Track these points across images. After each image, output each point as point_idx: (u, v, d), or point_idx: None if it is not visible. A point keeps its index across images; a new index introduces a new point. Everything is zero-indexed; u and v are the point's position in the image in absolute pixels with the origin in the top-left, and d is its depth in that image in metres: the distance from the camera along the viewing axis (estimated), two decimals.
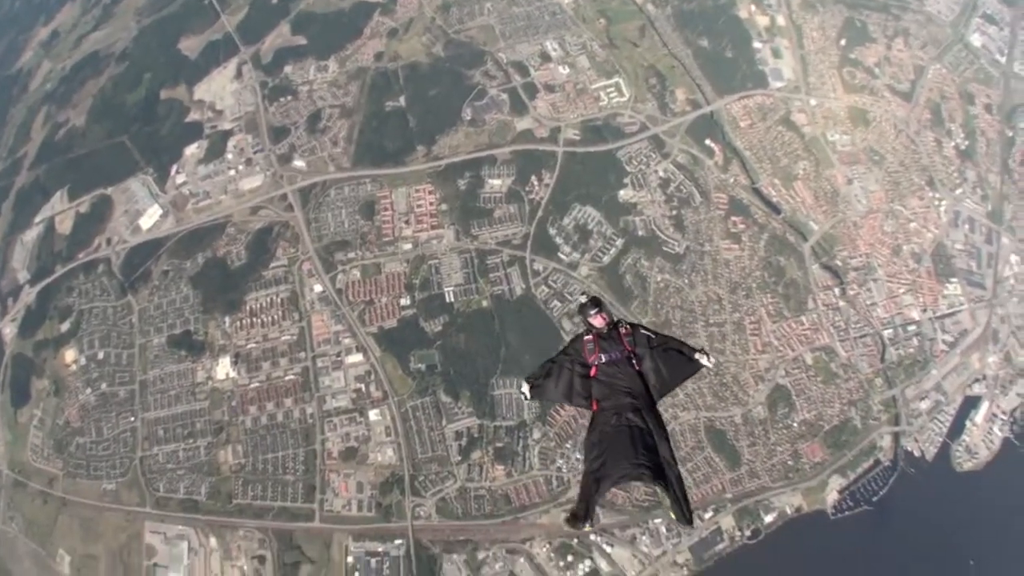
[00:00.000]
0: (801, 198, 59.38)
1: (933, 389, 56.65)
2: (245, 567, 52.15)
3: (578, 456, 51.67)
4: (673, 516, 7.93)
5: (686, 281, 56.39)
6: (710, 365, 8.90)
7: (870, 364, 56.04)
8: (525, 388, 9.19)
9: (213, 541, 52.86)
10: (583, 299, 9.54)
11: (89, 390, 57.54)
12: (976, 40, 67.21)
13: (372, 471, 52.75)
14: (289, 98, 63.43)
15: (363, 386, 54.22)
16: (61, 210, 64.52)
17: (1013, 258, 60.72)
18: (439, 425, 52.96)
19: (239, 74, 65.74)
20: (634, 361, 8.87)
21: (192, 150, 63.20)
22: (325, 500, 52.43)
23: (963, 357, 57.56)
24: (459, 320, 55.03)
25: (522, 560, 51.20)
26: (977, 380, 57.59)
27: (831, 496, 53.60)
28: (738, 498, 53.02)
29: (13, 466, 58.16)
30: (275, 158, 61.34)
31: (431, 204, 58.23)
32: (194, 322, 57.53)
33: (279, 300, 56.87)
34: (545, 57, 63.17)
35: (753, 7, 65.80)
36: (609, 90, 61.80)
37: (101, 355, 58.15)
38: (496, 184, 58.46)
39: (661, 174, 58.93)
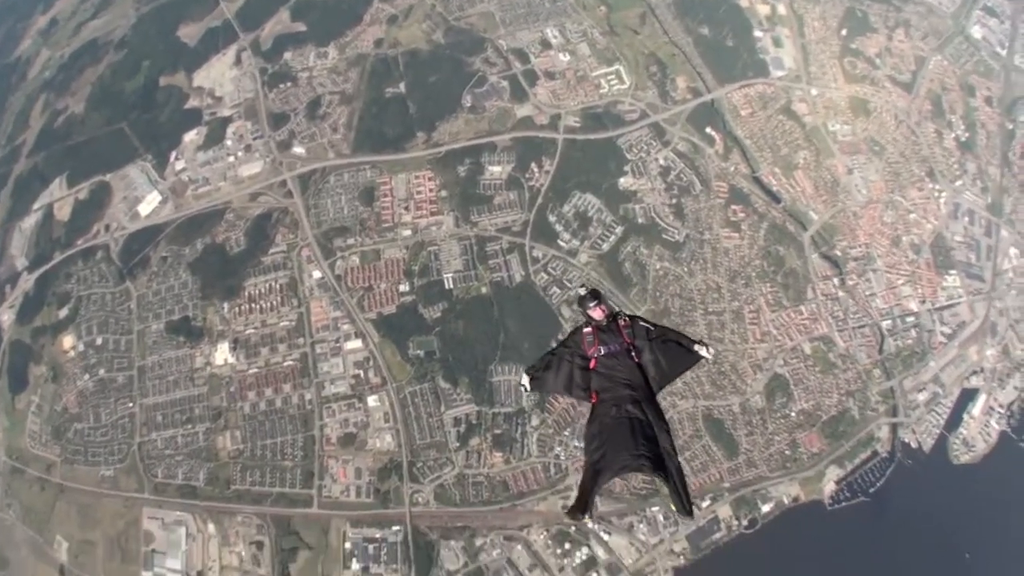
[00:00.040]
0: (801, 187, 59.31)
1: (931, 381, 56.71)
2: (243, 553, 52.15)
3: (576, 443, 51.78)
4: (673, 508, 7.95)
5: (685, 269, 56.35)
6: (709, 357, 8.88)
7: (868, 355, 56.08)
8: (525, 380, 9.23)
9: (211, 527, 52.86)
10: (582, 291, 9.56)
11: (87, 376, 57.43)
12: (977, 32, 67.18)
13: (370, 457, 52.73)
14: (288, 84, 63.13)
15: (362, 372, 54.14)
16: (60, 197, 64.31)
17: (1012, 251, 60.74)
18: (437, 411, 52.92)
19: (238, 61, 65.40)
20: (633, 353, 8.87)
21: (191, 137, 62.92)
22: (323, 486, 52.42)
23: (961, 349, 57.62)
24: (458, 307, 54.94)
25: (519, 547, 51.29)
26: (975, 373, 57.65)
27: (828, 487, 53.67)
28: (735, 487, 53.11)
29: (11, 452, 58.10)
30: (274, 144, 61.10)
31: (431, 190, 58.05)
32: (192, 308, 57.39)
33: (278, 286, 56.72)
34: (545, 44, 62.90)
35: None
36: (610, 77, 61.61)
37: (99, 341, 58.03)
38: (496, 171, 58.29)
39: (661, 162, 58.80)
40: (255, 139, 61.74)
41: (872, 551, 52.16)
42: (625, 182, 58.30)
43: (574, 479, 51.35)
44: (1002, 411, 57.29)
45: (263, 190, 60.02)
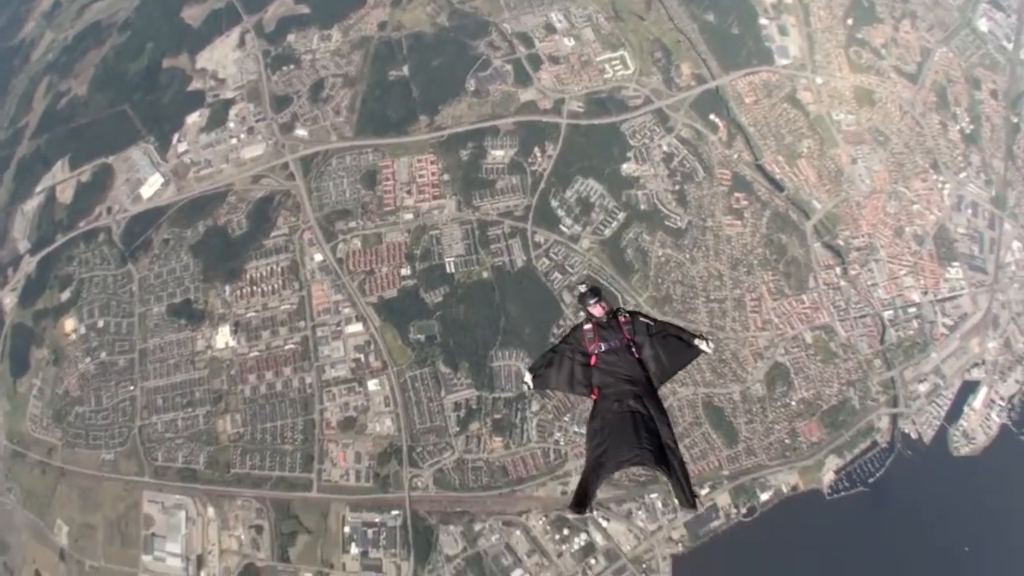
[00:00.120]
0: (805, 176, 59.16)
1: (932, 372, 56.63)
2: (242, 536, 52.25)
3: (576, 429, 51.81)
4: (676, 501, 7.98)
5: (687, 256, 56.21)
6: (709, 351, 8.93)
7: (869, 345, 56.02)
8: (528, 378, 9.29)
9: (211, 511, 52.94)
10: (582, 288, 9.56)
11: (88, 359, 57.47)
12: (983, 25, 66.93)
13: (370, 441, 52.74)
14: (292, 67, 62.95)
15: (362, 356, 54.11)
16: (62, 179, 64.23)
17: (1015, 244, 60.74)
18: (438, 396, 52.90)
19: (242, 43, 65.17)
20: (634, 349, 8.90)
21: (194, 119, 62.77)
22: (323, 470, 52.44)
23: (963, 341, 57.54)
24: (459, 291, 54.88)
25: (518, 532, 51.33)
26: (976, 365, 57.62)
27: (827, 476, 53.67)
28: (735, 475, 53.10)
29: (12, 436, 58.18)
30: (277, 127, 60.96)
31: (433, 174, 57.90)
32: (194, 291, 57.38)
33: (279, 269, 56.67)
34: (550, 29, 62.61)
35: None
36: (614, 63, 61.35)
37: (101, 324, 58.05)
38: (499, 155, 58.12)
39: (665, 148, 58.62)
40: (258, 121, 61.58)
41: (871, 542, 52.19)
42: (628, 168, 58.12)
43: (573, 465, 51.44)
44: (1003, 404, 57.28)
45: (265, 172, 59.89)
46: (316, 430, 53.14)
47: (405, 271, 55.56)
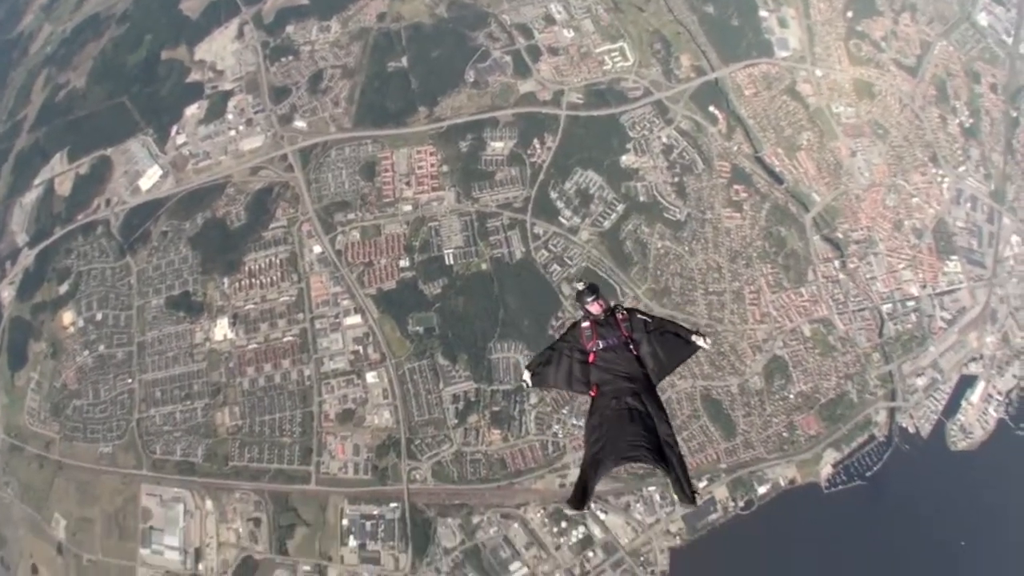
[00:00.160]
0: (804, 169, 59.09)
1: (930, 366, 56.59)
2: (241, 529, 52.27)
3: (574, 422, 51.79)
4: (676, 496, 8.06)
5: (686, 248, 56.15)
6: (707, 347, 8.93)
7: (868, 338, 55.98)
8: (527, 376, 9.33)
9: (209, 504, 52.93)
10: (580, 287, 9.56)
11: (87, 352, 57.43)
12: (983, 19, 66.93)
13: (369, 434, 52.69)
14: (290, 58, 62.80)
15: (361, 348, 54.06)
16: (60, 172, 64.18)
17: (1014, 239, 60.72)
18: (436, 388, 52.85)
19: (240, 34, 65.00)
20: (631, 346, 8.93)
21: (192, 111, 62.67)
22: (321, 462, 52.39)
23: (961, 335, 57.53)
24: (458, 283, 54.82)
25: (516, 525, 51.34)
26: (974, 359, 57.61)
27: (825, 470, 53.68)
28: (732, 468, 53.08)
29: (9, 430, 58.20)
30: (276, 118, 60.83)
31: (432, 166, 57.81)
32: (193, 283, 57.31)
33: (278, 261, 56.58)
34: (549, 20, 62.48)
35: None
36: (613, 54, 61.28)
37: (99, 317, 57.99)
38: (498, 147, 58.03)
39: (664, 140, 58.55)
40: (256, 113, 61.47)
41: (868, 535, 52.20)
42: (627, 160, 58.07)
43: (572, 457, 51.43)
44: (1000, 399, 57.25)
45: (264, 164, 59.80)
46: (314, 422, 53.06)
47: (404, 263, 55.49)
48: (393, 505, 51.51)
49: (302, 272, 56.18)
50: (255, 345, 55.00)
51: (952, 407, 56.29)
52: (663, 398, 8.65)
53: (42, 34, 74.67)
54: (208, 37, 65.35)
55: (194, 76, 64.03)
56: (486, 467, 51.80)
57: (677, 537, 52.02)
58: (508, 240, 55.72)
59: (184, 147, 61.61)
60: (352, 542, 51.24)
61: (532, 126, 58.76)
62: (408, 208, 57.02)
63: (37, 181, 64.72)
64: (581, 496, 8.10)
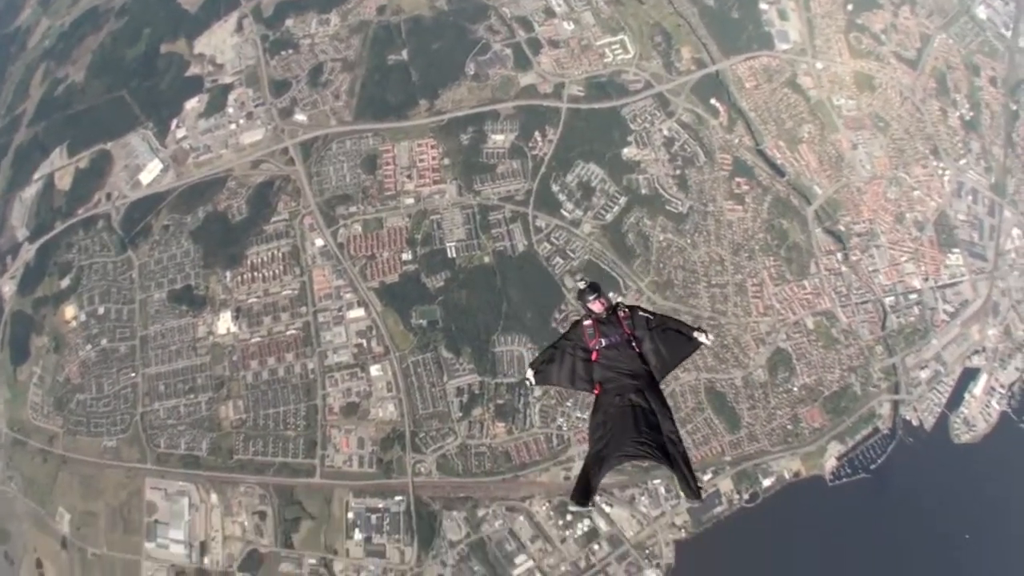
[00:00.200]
0: (805, 161, 59.12)
1: (933, 359, 56.69)
2: (246, 523, 52.26)
3: (578, 415, 51.81)
4: (681, 493, 8.04)
5: (689, 241, 56.16)
6: (709, 343, 8.95)
7: (871, 331, 56.08)
8: (530, 375, 9.34)
9: (214, 497, 52.89)
10: (581, 285, 9.60)
11: (89, 346, 57.29)
12: (982, 13, 67.00)
13: (373, 427, 52.65)
14: (290, 51, 62.60)
15: (364, 341, 54.00)
16: (60, 166, 63.92)
17: (1015, 232, 60.85)
18: (440, 381, 52.81)
19: (240, 27, 64.70)
20: (634, 343, 8.93)
21: (192, 104, 62.42)
22: (326, 456, 52.36)
23: (963, 328, 57.61)
24: (461, 276, 54.77)
25: (521, 518, 51.37)
26: (976, 352, 57.67)
27: (829, 462, 53.77)
28: (737, 461, 53.16)
29: (13, 424, 58.03)
30: (276, 112, 60.65)
31: (433, 159, 57.69)
32: (195, 277, 57.19)
33: (280, 254, 56.47)
34: (549, 12, 62.35)
35: None
36: (614, 47, 61.16)
37: (101, 311, 57.86)
38: (499, 139, 57.94)
39: (665, 133, 58.52)
40: (257, 106, 61.26)
41: (872, 528, 52.27)
42: (629, 152, 58.03)
43: (576, 450, 51.44)
44: (1003, 391, 57.36)
45: (265, 158, 59.62)
46: (319, 416, 53.02)
47: (406, 256, 55.43)
48: (398, 498, 51.48)
49: (304, 265, 56.08)
50: (258, 339, 54.90)
51: (955, 400, 56.38)
52: (666, 391, 8.70)
53: (40, 28, 74.36)
54: (207, 30, 65.05)
55: (194, 70, 63.78)
56: (491, 460, 51.76)
57: (682, 530, 52.13)
58: (510, 233, 55.67)
59: (184, 141, 61.39)
60: (357, 535, 51.21)
61: (533, 119, 58.63)
62: (410, 201, 56.92)
63: (37, 176, 64.47)
64: (586, 493, 8.10)
